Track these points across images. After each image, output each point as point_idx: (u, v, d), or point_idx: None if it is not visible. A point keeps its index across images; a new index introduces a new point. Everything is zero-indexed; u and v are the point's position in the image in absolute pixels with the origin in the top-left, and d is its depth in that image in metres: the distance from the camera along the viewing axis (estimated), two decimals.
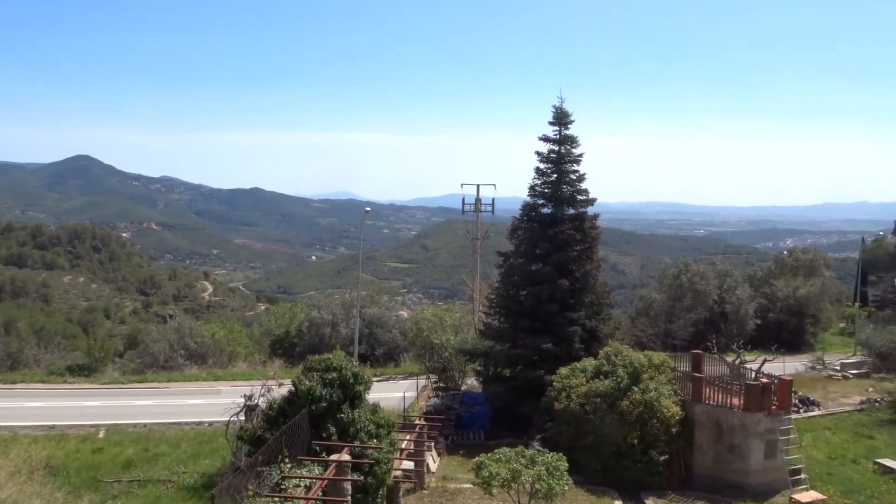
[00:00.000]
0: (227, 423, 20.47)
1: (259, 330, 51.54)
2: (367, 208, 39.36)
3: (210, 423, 25.44)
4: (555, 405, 22.26)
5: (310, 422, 15.76)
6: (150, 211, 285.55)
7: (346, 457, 13.70)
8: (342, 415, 15.96)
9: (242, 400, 21.13)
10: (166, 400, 29.29)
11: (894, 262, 53.34)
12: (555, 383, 22.92)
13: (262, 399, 19.90)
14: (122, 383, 32.56)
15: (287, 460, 13.50)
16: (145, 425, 25.52)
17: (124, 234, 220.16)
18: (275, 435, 14.31)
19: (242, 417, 20.38)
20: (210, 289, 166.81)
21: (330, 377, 16.36)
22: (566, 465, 16.11)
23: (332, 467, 13.08)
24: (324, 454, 14.53)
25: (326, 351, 26.88)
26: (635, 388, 21.05)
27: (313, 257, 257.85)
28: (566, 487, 15.61)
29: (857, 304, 51.86)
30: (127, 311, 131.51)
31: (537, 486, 15.23)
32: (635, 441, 20.58)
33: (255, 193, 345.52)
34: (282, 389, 18.64)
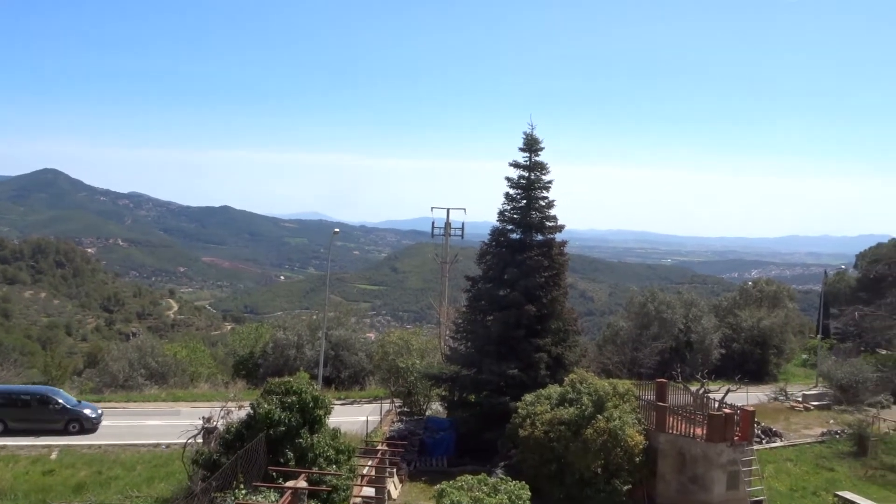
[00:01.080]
0: (184, 446, 19.93)
1: (223, 350, 50.59)
2: (336, 229, 39.10)
3: (167, 446, 24.80)
4: (519, 432, 22.07)
5: (267, 446, 15.38)
6: (117, 227, 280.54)
7: (302, 483, 13.36)
8: (301, 440, 15.61)
9: (201, 422, 20.64)
10: (123, 420, 28.52)
11: (856, 295, 54.41)
12: (519, 410, 22.75)
13: (220, 421, 19.44)
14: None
15: (242, 486, 13.12)
16: (100, 447, 24.76)
17: (90, 250, 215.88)
18: (230, 460, 13.91)
19: (200, 440, 19.88)
20: (175, 307, 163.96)
21: (289, 401, 16.02)
22: (529, 493, 15.94)
23: (287, 494, 12.73)
24: (280, 480, 14.17)
25: (291, 373, 26.44)
26: (600, 417, 20.98)
27: (282, 277, 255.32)
28: None
29: (819, 336, 52.73)
30: (89, 328, 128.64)
31: None
32: (599, 470, 20.45)
33: (225, 212, 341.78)
34: (241, 412, 18.22)
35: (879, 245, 65.37)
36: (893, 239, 60.81)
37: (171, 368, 37.53)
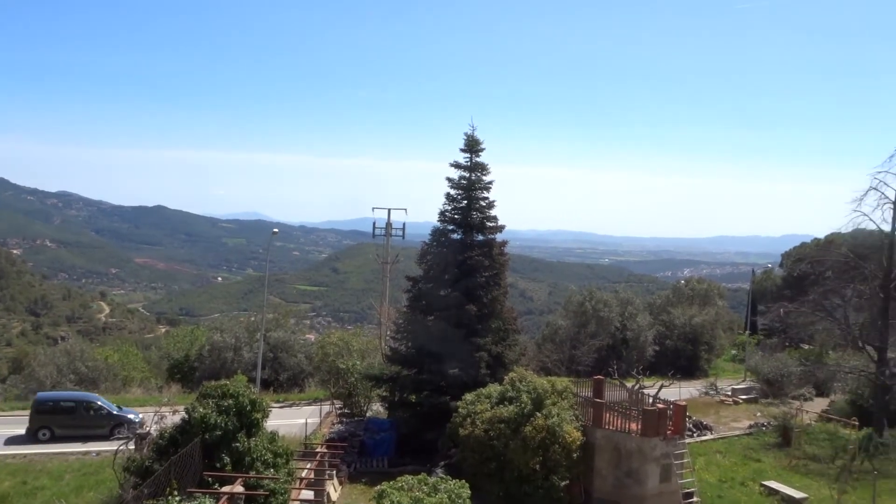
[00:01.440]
0: (115, 453, 19.31)
1: (157, 353, 49.16)
2: (275, 229, 38.50)
3: (97, 454, 24.06)
4: (459, 431, 22.19)
5: (203, 451, 15.04)
6: (45, 227, 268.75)
7: (239, 488, 13.12)
8: (238, 444, 15.32)
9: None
10: None
11: (781, 292, 56.77)
12: (460, 409, 22.88)
13: (153, 427, 18.92)
14: (3, 410, 30.25)
15: (176, 493, 12.78)
16: (25, 456, 23.74)
17: (15, 251, 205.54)
18: (164, 466, 13.55)
19: (132, 447, 19.29)
20: (107, 310, 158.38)
21: (226, 404, 15.70)
22: (468, 492, 16.04)
23: (223, 500, 12.49)
24: (216, 486, 13.89)
25: (228, 376, 25.88)
26: (538, 414, 21.28)
27: (219, 278, 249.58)
28: None
29: (747, 333, 54.87)
30: (14, 332, 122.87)
31: None
32: (537, 466, 20.73)
33: (160, 212, 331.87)
34: (176, 417, 17.76)
35: (803, 245, 68.36)
36: (816, 239, 63.66)
37: (101, 373, 36.25)
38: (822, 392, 40.27)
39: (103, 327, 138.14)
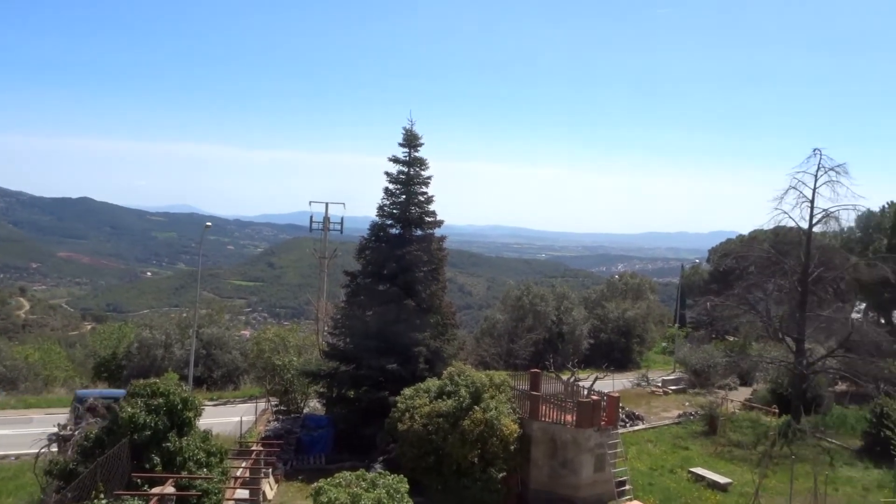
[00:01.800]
0: (36, 456, 18.51)
1: (83, 351, 47.37)
2: (208, 223, 37.45)
3: (17, 457, 22.97)
4: (398, 426, 22.16)
5: (132, 452, 14.52)
6: None
7: (170, 489, 12.75)
8: (168, 444, 14.85)
9: (56, 429, 19.24)
10: None
11: (708, 286, 58.84)
12: (399, 404, 22.84)
13: (78, 428, 18.19)
14: None
15: (102, 496, 12.31)
16: None
17: None
18: (89, 468, 13.02)
19: (55, 449, 18.51)
20: (27, 306, 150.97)
21: (156, 403, 15.20)
22: (407, 486, 16.00)
23: (153, 501, 12.11)
24: (146, 487, 13.45)
25: (158, 374, 25.16)
26: (476, 408, 21.45)
27: (149, 273, 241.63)
28: None
29: (676, 326, 56.69)
30: None
31: None
32: (476, 459, 20.90)
33: (84, 203, 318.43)
34: None
35: (728, 240, 70.99)
36: (740, 235, 66.22)
37: (21, 373, 34.70)
38: (745, 382, 42.02)
39: (23, 325, 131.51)
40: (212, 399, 32.96)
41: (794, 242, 34.92)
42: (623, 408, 30.89)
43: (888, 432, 25.27)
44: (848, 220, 36.36)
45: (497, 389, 22.72)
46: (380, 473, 16.42)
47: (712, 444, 29.12)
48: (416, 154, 27.54)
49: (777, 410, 32.66)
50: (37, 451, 18.76)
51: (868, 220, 43.89)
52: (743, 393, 39.17)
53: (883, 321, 48.24)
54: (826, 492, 19.47)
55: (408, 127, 27.40)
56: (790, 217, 32.21)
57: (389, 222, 27.67)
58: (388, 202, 27.55)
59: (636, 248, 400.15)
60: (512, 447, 21.49)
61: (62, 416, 23.50)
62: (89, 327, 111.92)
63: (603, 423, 22.36)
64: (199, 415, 16.51)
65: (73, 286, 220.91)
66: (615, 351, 49.37)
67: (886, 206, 46.29)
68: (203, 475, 14.97)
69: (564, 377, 27.33)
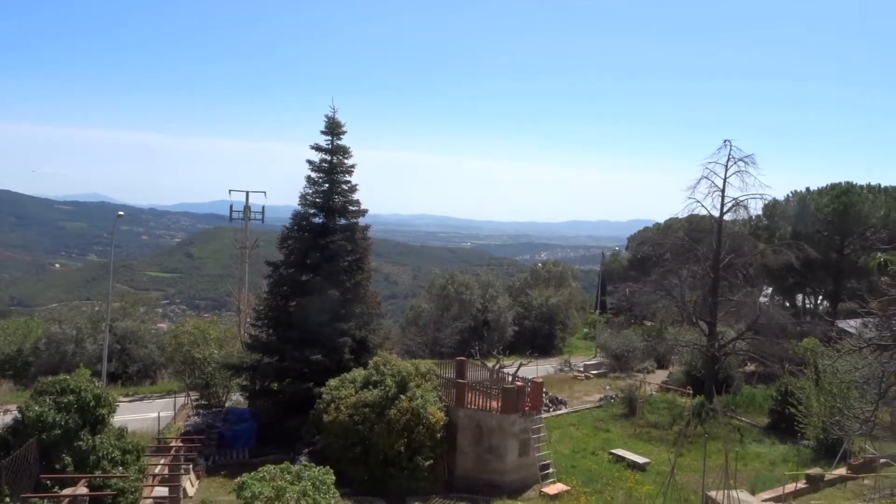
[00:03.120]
0: None
1: None
2: (121, 212, 35.89)
3: None
4: (324, 417, 21.94)
5: (41, 453, 13.80)
6: None
7: (82, 490, 12.19)
8: (81, 442, 14.19)
9: None
10: None
11: (627, 273, 60.65)
12: (324, 395, 22.61)
13: None
14: None
15: (9, 500, 11.65)
16: None
17: None
18: None
19: None
20: None
21: (66, 401, 14.48)
22: (333, 478, 15.86)
23: (64, 503, 11.54)
24: (56, 489, 12.81)
25: (69, 370, 23.91)
26: (403, 397, 21.46)
27: (57, 265, 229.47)
28: (332, 501, 15.35)
29: (597, 312, 58.29)
30: None
31: (303, 502, 14.77)
32: (402, 448, 20.94)
33: None
34: (7, 417, 16.19)
35: (646, 229, 73.37)
36: (657, 223, 68.54)
37: None
38: (662, 364, 43.61)
39: None
40: (127, 395, 31.73)
41: (706, 230, 36.37)
42: (547, 393, 31.54)
43: (792, 410, 26.77)
44: (756, 208, 38.25)
45: (423, 378, 22.79)
46: (305, 466, 16.20)
47: (632, 425, 30.12)
48: (339, 142, 27.19)
49: (691, 391, 34.06)
50: None
51: (774, 209, 46.16)
52: (660, 376, 40.66)
53: (788, 304, 51.10)
54: (736, 468, 20.43)
55: (330, 115, 27.02)
56: (703, 206, 33.53)
57: (312, 211, 27.24)
58: (310, 191, 27.11)
59: (559, 236, 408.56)
60: (438, 435, 21.63)
61: None
62: None
63: (527, 408, 22.77)
64: (114, 412, 15.86)
65: None
66: (539, 337, 50.32)
67: (790, 195, 48.85)
68: (118, 474, 14.39)
69: (490, 364, 27.67)
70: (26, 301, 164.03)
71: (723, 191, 33.13)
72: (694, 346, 35.45)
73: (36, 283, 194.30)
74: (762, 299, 41.06)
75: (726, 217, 33.92)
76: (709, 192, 33.18)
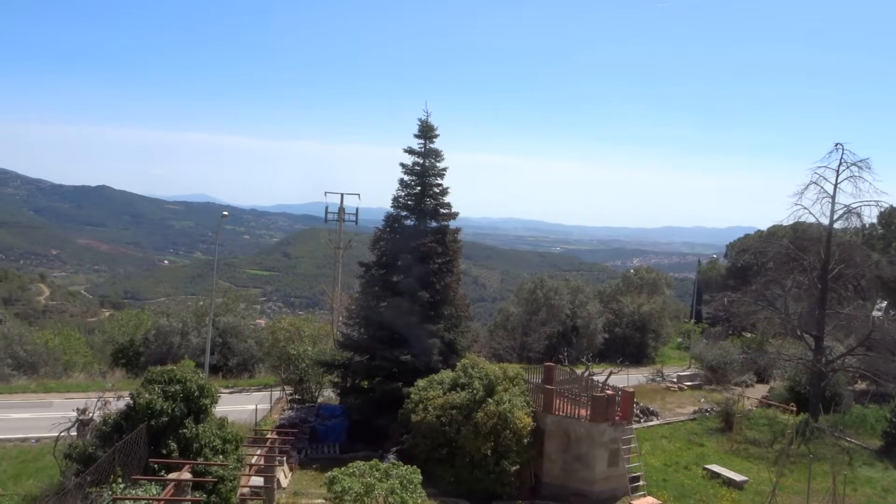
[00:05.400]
0: (56, 440, 18.71)
1: (101, 338, 47.71)
2: (225, 212, 37.68)
3: (37, 440, 23.24)
4: (411, 417, 22.22)
5: (149, 438, 14.65)
6: None
7: (186, 475, 12.83)
8: (185, 430, 14.96)
9: (75, 414, 19.44)
10: None
11: (725, 282, 58.38)
12: (412, 395, 22.90)
13: (97, 413, 18.38)
14: None
15: (120, 480, 12.43)
16: None
17: None
18: (107, 453, 13.16)
19: (74, 433, 18.72)
20: (47, 292, 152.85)
21: (173, 390, 15.31)
22: (420, 477, 16.07)
23: (170, 487, 12.20)
24: (163, 473, 13.55)
25: (175, 361, 25.31)
26: (490, 400, 21.45)
27: (166, 261, 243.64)
28: (419, 500, 15.55)
29: (692, 321, 56.28)
30: None
31: (390, 499, 15.05)
32: (489, 452, 20.93)
33: (103, 192, 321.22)
34: (120, 403, 17.28)
35: (746, 236, 70.36)
36: (759, 231, 65.60)
37: (41, 357, 35.03)
38: (762, 379, 41.66)
39: (43, 310, 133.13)
40: (227, 387, 33.16)
41: (813, 238, 34.48)
42: (637, 403, 30.72)
43: None
44: (870, 216, 36.05)
45: (510, 382, 22.69)
46: (393, 464, 16.50)
47: (728, 441, 28.91)
48: (432, 145, 27.47)
49: (795, 408, 32.35)
50: (56, 434, 18.96)
51: (890, 217, 43.24)
52: (760, 390, 38.85)
53: None
54: (845, 492, 19.25)
55: (423, 118, 27.32)
56: (810, 213, 31.85)
57: (404, 213, 27.64)
58: (402, 193, 27.52)
59: (652, 242, 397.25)
60: (525, 440, 21.47)
61: (81, 400, 23.79)
62: (107, 314, 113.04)
63: (617, 417, 22.26)
64: (216, 402, 16.60)
65: (91, 273, 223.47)
66: (630, 346, 49.13)
67: None
68: (219, 462, 15.07)
69: (578, 371, 27.24)
70: (138, 294, 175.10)
71: (833, 197, 31.35)
72: (798, 361, 33.65)
73: (147, 278, 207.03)
74: (875, 313, 38.49)
75: (836, 225, 32.06)
76: (817, 199, 31.50)
